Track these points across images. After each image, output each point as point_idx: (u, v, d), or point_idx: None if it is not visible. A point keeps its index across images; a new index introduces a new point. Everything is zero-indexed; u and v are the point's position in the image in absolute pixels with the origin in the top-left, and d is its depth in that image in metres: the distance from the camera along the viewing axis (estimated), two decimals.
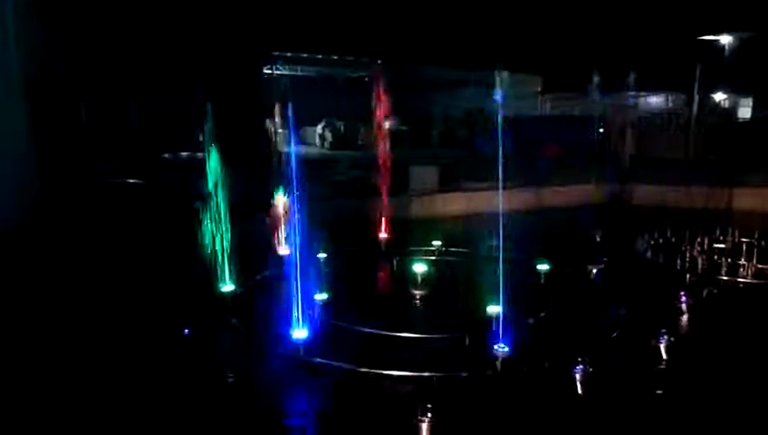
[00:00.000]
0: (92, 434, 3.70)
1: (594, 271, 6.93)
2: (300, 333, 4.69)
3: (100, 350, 4.79)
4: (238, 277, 5.98)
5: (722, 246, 8.11)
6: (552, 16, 27.18)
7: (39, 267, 6.53)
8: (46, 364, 4.57)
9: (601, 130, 24.70)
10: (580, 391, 4.04)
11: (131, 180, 12.17)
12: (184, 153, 15.85)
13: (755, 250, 7.47)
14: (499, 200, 5.97)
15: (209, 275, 5.91)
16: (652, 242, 8.38)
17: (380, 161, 8.80)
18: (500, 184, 5.10)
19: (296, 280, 4.76)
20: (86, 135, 14.29)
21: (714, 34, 27.38)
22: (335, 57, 27.82)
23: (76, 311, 5.58)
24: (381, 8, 24.35)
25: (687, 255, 7.56)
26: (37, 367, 4.53)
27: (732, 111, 30.14)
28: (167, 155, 16.69)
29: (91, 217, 8.56)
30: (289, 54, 25.70)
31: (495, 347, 4.49)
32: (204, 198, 5.68)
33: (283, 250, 7.29)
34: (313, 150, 25.83)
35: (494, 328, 5.04)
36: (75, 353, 4.72)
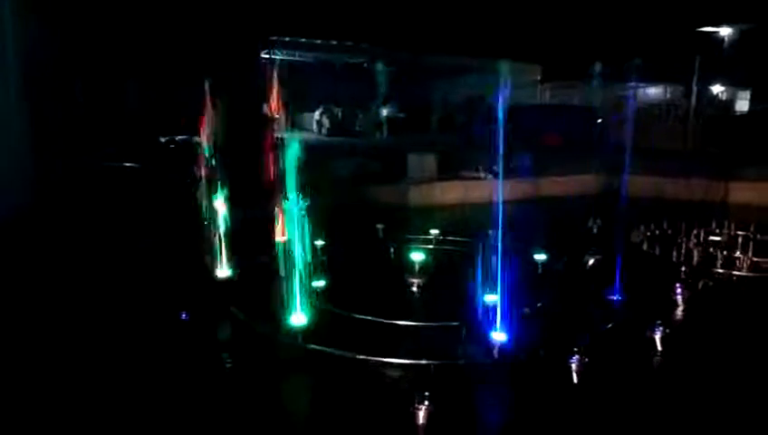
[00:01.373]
0: (88, 418, 3.69)
1: (591, 261, 6.95)
2: None
3: (98, 334, 4.80)
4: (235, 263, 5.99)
5: (718, 238, 8.15)
6: (553, 5, 27.01)
7: (37, 253, 6.50)
8: (44, 350, 4.57)
9: (600, 121, 24.73)
10: (575, 380, 4.08)
11: (128, 164, 12.11)
12: (180, 137, 15.78)
13: (751, 243, 7.51)
14: (497, 190, 5.95)
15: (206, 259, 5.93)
16: (648, 233, 8.41)
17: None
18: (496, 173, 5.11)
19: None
20: (83, 118, 14.18)
21: (713, 26, 27.29)
22: (334, 43, 27.60)
23: (75, 297, 5.57)
24: None
25: (683, 247, 7.59)
26: (35, 354, 4.53)
27: (730, 104, 30.16)
28: (163, 139, 16.61)
29: (90, 201, 8.53)
30: (287, 39, 25.46)
31: (492, 336, 4.51)
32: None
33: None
34: (311, 137, 25.71)
35: (491, 317, 5.07)
36: (73, 339, 4.73)
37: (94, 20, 15.16)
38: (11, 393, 3.92)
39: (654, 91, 32.04)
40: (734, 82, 29.78)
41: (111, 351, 4.50)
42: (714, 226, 8.66)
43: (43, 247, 6.87)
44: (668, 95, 31.12)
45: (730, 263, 6.97)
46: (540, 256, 6.71)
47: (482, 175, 11.84)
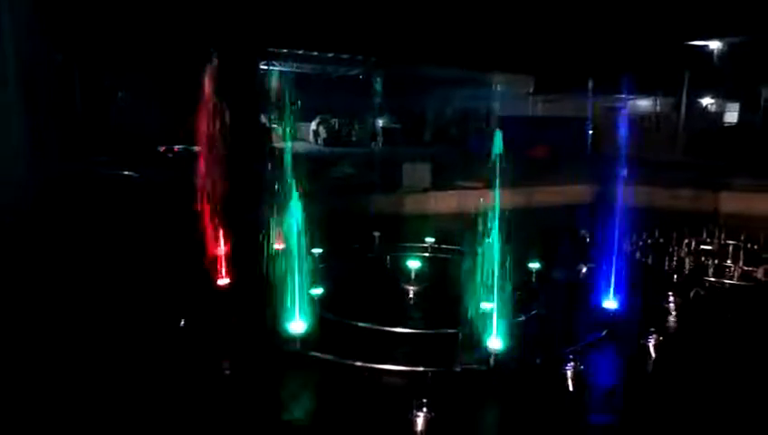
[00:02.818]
0: (87, 426, 3.70)
1: (583, 270, 7.03)
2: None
3: (96, 342, 4.81)
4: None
5: (709, 248, 8.28)
6: (545, 18, 27.38)
7: (33, 260, 6.49)
8: (40, 359, 4.57)
9: (591, 132, 25.01)
10: (570, 388, 4.13)
11: (126, 173, 12.09)
12: (178, 147, 15.81)
13: (741, 253, 7.63)
14: (490, 199, 6.05)
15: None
16: (640, 243, 8.51)
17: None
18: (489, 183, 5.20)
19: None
20: (81, 126, 14.19)
21: (702, 40, 27.70)
22: (330, 55, 27.78)
23: (71, 304, 5.58)
24: (377, 6, 24.36)
25: (675, 256, 7.69)
26: (31, 362, 4.53)
27: (719, 116, 30.54)
28: (161, 148, 16.61)
29: (86, 209, 8.52)
30: (285, 51, 25.62)
31: (488, 343, 4.56)
32: None
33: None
34: (307, 147, 25.83)
35: (486, 324, 5.13)
36: (70, 347, 4.73)
37: (93, 31, 15.22)
38: (12, 397, 3.94)
39: (644, 103, 32.41)
40: (723, 95, 30.18)
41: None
42: (704, 235, 8.79)
43: (41, 251, 6.87)
44: (659, 107, 31.49)
45: (721, 272, 7.08)
46: (533, 265, 6.78)
47: None
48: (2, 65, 8.05)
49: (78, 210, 8.37)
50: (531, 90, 34.42)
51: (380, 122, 26.82)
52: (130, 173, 11.94)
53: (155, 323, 5.18)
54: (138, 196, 9.93)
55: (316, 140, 28.55)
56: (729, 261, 7.36)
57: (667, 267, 7.39)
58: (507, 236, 5.11)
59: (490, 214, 4.85)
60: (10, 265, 6.40)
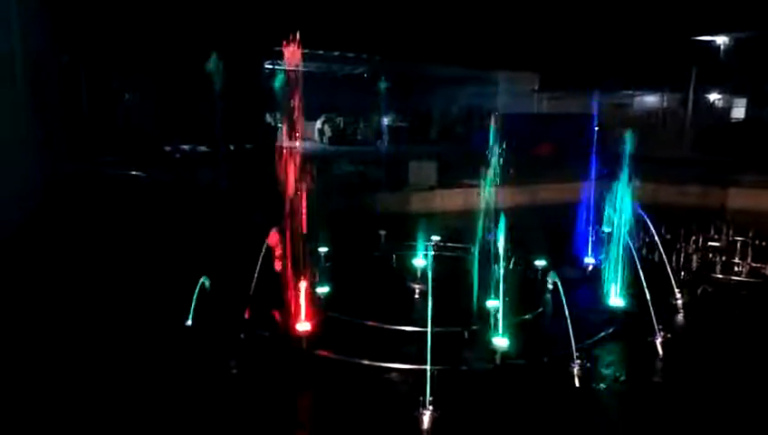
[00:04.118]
0: (95, 426, 3.73)
1: (590, 268, 7.01)
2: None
3: (103, 341, 4.84)
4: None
5: (716, 244, 8.22)
6: (551, 15, 27.27)
7: (42, 264, 6.54)
8: (48, 358, 4.61)
9: (597, 129, 24.86)
10: (577, 385, 4.13)
11: (133, 172, 12.16)
12: (185, 146, 15.87)
13: (749, 249, 7.57)
14: (496, 197, 6.05)
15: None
16: (647, 239, 8.46)
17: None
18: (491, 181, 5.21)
19: None
20: (88, 127, 14.26)
21: (709, 35, 27.51)
22: (335, 53, 27.79)
23: (81, 305, 5.62)
24: (382, 5, 24.37)
25: (682, 253, 7.65)
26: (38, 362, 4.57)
27: (726, 111, 30.33)
28: (168, 148, 16.66)
29: (94, 209, 8.56)
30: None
31: (494, 341, 4.56)
32: None
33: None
34: (313, 145, 25.89)
35: (492, 323, 5.13)
36: (78, 346, 4.77)
37: (100, 31, 15.28)
38: (20, 396, 3.99)
39: (651, 100, 32.25)
40: (730, 90, 29.97)
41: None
42: (712, 231, 8.74)
43: (50, 251, 6.92)
44: (665, 103, 31.32)
45: (729, 268, 7.04)
46: (539, 263, 6.76)
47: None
48: (10, 66, 8.12)
49: (86, 210, 8.41)
50: (536, 87, 34.31)
51: (386, 121, 26.82)
52: (138, 173, 12.00)
53: (162, 320, 5.21)
54: (145, 195, 9.96)
55: (321, 139, 28.62)
56: (737, 258, 7.31)
57: (674, 264, 7.35)
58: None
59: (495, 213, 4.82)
60: (21, 264, 6.45)
